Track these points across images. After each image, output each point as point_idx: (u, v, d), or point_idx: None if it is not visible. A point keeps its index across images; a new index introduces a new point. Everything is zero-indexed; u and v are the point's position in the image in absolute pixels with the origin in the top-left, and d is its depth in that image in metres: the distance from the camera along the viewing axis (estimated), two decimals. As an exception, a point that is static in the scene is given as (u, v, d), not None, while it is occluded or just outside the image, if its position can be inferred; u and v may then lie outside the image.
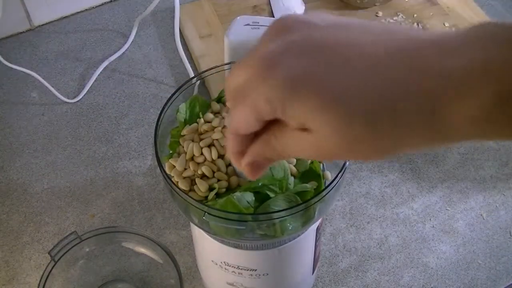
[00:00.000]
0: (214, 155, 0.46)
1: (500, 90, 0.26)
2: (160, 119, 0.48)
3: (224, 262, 0.52)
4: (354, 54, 0.29)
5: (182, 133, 0.48)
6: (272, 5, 0.88)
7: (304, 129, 0.30)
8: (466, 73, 0.26)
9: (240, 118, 0.32)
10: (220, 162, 0.46)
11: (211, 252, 0.53)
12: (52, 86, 0.81)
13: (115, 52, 0.86)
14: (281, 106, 0.29)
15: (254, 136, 0.34)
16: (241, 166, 0.35)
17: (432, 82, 0.27)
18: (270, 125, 0.32)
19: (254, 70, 0.30)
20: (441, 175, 0.74)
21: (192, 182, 0.46)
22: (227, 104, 0.34)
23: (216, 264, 0.53)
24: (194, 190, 0.45)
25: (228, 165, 0.46)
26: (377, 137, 0.28)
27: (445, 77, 0.27)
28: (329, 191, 0.44)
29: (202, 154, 0.46)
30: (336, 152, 0.30)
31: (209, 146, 0.46)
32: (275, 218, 0.43)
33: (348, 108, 0.28)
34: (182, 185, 0.45)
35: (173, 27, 0.83)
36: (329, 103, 0.28)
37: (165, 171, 0.46)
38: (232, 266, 0.52)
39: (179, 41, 0.82)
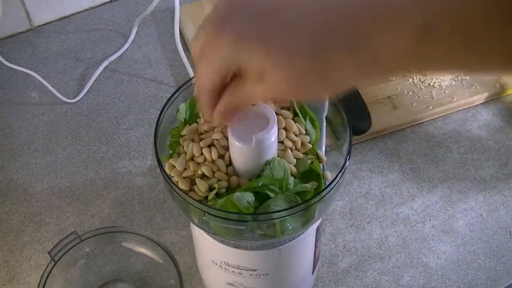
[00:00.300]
0: (214, 155, 0.46)
1: (422, 25, 0.30)
2: (160, 119, 0.48)
3: (224, 262, 0.52)
4: (290, 7, 0.33)
5: (182, 133, 0.48)
6: (272, 5, 0.87)
7: (261, 76, 0.34)
8: (394, 7, 0.31)
9: (203, 74, 0.37)
10: (220, 162, 0.46)
11: (211, 252, 0.53)
12: (52, 86, 0.81)
13: (115, 52, 0.86)
14: (234, 59, 0.34)
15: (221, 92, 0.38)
16: (214, 118, 0.39)
17: (360, 20, 0.32)
18: (233, 79, 0.37)
19: (208, 32, 0.35)
20: (441, 175, 0.74)
21: (192, 182, 0.46)
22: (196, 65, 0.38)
23: (216, 264, 0.53)
24: (194, 190, 0.45)
25: (228, 165, 0.46)
26: (318, 69, 0.33)
27: (374, 14, 0.31)
28: (329, 191, 0.44)
29: (202, 154, 0.46)
30: (288, 90, 0.35)
31: (209, 146, 0.46)
32: (275, 218, 0.43)
33: (288, 48, 0.33)
34: (182, 185, 0.45)
35: (173, 27, 0.83)
36: (272, 48, 0.33)
37: (165, 171, 0.46)
38: (232, 266, 0.52)
39: (179, 41, 0.82)
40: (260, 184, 0.44)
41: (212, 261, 0.53)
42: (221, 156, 0.46)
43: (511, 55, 0.30)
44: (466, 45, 0.30)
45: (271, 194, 0.44)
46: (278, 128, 0.47)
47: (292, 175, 0.46)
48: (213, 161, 0.46)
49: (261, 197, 0.44)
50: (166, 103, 0.49)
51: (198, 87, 0.38)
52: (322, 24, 0.32)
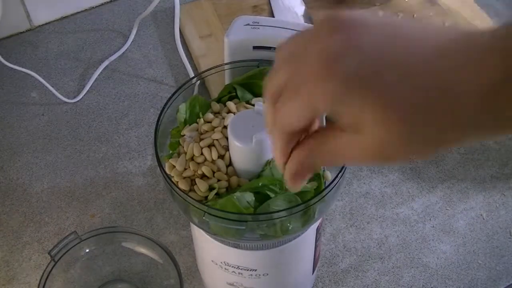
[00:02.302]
0: (214, 155, 0.46)
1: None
2: (160, 119, 0.48)
3: (224, 262, 0.52)
4: (410, 57, 0.29)
5: (182, 133, 0.48)
6: (272, 5, 0.88)
7: (356, 131, 0.30)
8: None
9: (292, 113, 0.32)
10: (220, 162, 0.46)
11: (211, 252, 0.53)
12: (52, 86, 0.81)
13: (115, 52, 0.86)
14: (338, 101, 0.29)
15: (297, 144, 0.34)
16: (286, 171, 0.35)
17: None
18: (314, 132, 0.33)
19: (311, 66, 0.30)
20: (441, 175, 0.74)
21: (192, 182, 0.46)
22: (265, 100, 0.34)
23: (216, 264, 0.53)
24: (194, 190, 0.45)
25: (228, 165, 0.46)
26: (432, 135, 0.29)
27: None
28: (329, 191, 0.44)
29: (202, 154, 0.46)
30: (390, 152, 0.30)
31: (209, 146, 0.46)
32: (275, 218, 0.43)
33: (405, 108, 0.29)
34: (182, 185, 0.45)
35: (173, 27, 0.83)
36: (386, 102, 0.29)
37: (165, 171, 0.46)
38: (232, 266, 0.52)
39: (179, 41, 0.82)
40: (260, 184, 0.44)
41: (212, 261, 0.53)
42: (221, 156, 0.46)
43: None
44: None
45: (271, 194, 0.44)
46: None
47: (292, 175, 0.46)
48: (213, 161, 0.46)
49: (261, 197, 0.44)
50: (166, 103, 0.49)
51: (279, 126, 0.33)
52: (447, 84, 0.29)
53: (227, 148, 0.46)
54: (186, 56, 0.83)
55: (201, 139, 0.47)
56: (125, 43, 0.87)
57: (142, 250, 0.62)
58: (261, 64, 0.51)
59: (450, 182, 0.73)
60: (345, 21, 0.31)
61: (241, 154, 0.44)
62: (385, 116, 0.29)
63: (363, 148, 0.31)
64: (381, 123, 0.29)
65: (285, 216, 0.43)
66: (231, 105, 0.49)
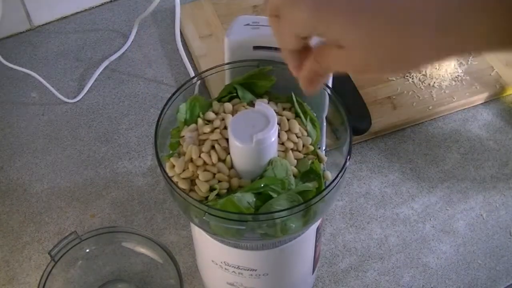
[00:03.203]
0: (214, 158, 0.45)
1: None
2: (160, 119, 0.48)
3: (224, 262, 0.52)
4: None
5: (181, 134, 0.48)
6: (272, 5, 0.87)
7: (340, 46, 0.33)
8: None
9: (282, 35, 0.37)
10: (221, 165, 0.46)
11: (211, 252, 0.53)
12: (52, 86, 0.81)
13: (115, 52, 0.86)
14: (312, 26, 0.34)
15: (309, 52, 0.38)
16: (301, 79, 0.39)
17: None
18: (318, 47, 0.36)
19: None
20: (441, 175, 0.74)
21: (192, 182, 0.46)
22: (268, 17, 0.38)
23: (216, 264, 0.53)
24: (194, 190, 0.45)
25: (230, 167, 0.46)
26: (400, 46, 0.32)
27: None
28: (329, 191, 0.44)
29: (200, 157, 0.46)
30: (370, 64, 0.34)
31: (209, 150, 0.46)
32: (275, 218, 0.43)
33: (372, 23, 0.32)
34: (182, 185, 0.45)
35: (173, 27, 0.83)
36: (355, 21, 0.32)
37: (165, 171, 0.46)
38: (232, 266, 0.52)
39: (179, 41, 0.82)
40: (262, 185, 0.44)
41: (212, 261, 0.53)
42: (222, 160, 0.46)
43: None
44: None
45: (274, 195, 0.44)
46: (281, 130, 0.47)
47: (293, 175, 0.46)
48: (213, 164, 0.46)
49: (264, 198, 0.44)
50: (166, 103, 0.49)
51: (280, 45, 0.39)
52: (410, 5, 0.31)
53: (227, 151, 0.46)
54: (186, 56, 0.83)
55: (200, 141, 0.47)
56: (125, 43, 0.87)
57: (142, 250, 0.62)
58: (261, 64, 0.51)
59: (450, 182, 0.73)
60: None
61: (241, 154, 0.44)
62: (355, 32, 0.32)
63: (347, 60, 0.35)
64: (353, 39, 0.33)
65: (285, 216, 0.43)
66: (228, 106, 0.49)
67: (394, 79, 0.80)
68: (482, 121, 0.79)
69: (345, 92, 0.75)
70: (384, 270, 0.66)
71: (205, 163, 0.46)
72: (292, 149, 0.47)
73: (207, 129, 0.47)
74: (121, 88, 0.83)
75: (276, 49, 0.49)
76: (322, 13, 0.33)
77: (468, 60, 0.82)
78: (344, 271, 0.66)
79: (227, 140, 0.46)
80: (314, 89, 0.40)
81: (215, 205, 0.43)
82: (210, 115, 0.49)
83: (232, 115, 0.48)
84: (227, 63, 0.53)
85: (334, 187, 0.44)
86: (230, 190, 0.45)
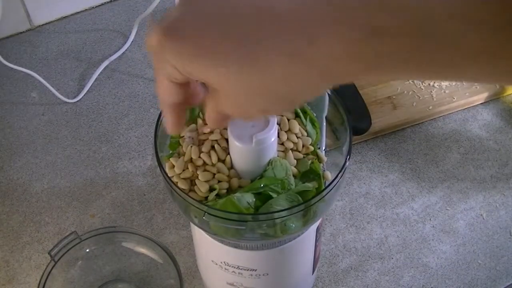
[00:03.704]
0: (214, 159, 0.45)
1: (367, 24, 0.26)
2: (160, 119, 0.48)
3: (224, 262, 0.52)
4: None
5: (181, 134, 0.48)
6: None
7: (213, 90, 0.31)
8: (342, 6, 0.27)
9: (162, 89, 0.34)
10: (221, 165, 0.46)
11: (211, 252, 0.53)
12: (52, 86, 0.81)
13: (115, 52, 0.86)
14: (181, 70, 0.31)
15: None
16: (208, 122, 0.36)
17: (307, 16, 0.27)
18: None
19: (154, 41, 0.31)
20: (441, 175, 0.74)
21: (192, 182, 0.46)
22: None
23: (216, 264, 0.53)
24: (194, 190, 0.45)
25: (230, 167, 0.46)
26: (255, 79, 0.29)
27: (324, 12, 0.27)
28: (329, 191, 0.44)
29: (200, 157, 0.46)
30: (250, 107, 0.31)
31: (209, 150, 0.46)
32: (275, 218, 0.43)
33: (218, 62, 0.29)
34: (182, 185, 0.45)
35: (173, 27, 0.82)
36: (211, 60, 0.29)
37: (165, 171, 0.46)
38: (232, 266, 0.52)
39: (179, 41, 0.82)
40: (262, 185, 0.44)
41: (212, 261, 0.53)
42: (221, 160, 0.46)
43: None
44: (416, 47, 0.27)
45: (274, 195, 0.44)
46: (281, 130, 0.47)
47: (293, 175, 0.46)
48: (213, 165, 0.46)
49: (264, 198, 0.44)
50: (166, 103, 0.49)
51: (161, 102, 0.36)
52: (256, 28, 0.29)
53: (227, 151, 0.46)
54: (186, 56, 0.83)
55: (200, 141, 0.47)
56: (125, 43, 0.87)
57: (142, 250, 0.62)
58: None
59: (450, 182, 0.73)
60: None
61: (241, 154, 0.44)
62: (213, 74, 0.29)
63: (226, 104, 0.32)
64: (216, 81, 0.30)
65: (285, 216, 0.43)
66: None
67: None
68: (482, 121, 0.79)
69: (345, 92, 0.75)
70: (384, 270, 0.66)
71: (204, 163, 0.46)
72: (292, 149, 0.47)
73: (207, 129, 0.47)
74: (121, 88, 0.83)
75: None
76: (185, 58, 0.30)
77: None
78: (344, 271, 0.66)
79: (227, 140, 0.46)
80: (223, 125, 0.38)
81: (215, 205, 0.43)
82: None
83: (232, 115, 0.48)
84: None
85: (334, 187, 0.44)
86: (230, 190, 0.45)
